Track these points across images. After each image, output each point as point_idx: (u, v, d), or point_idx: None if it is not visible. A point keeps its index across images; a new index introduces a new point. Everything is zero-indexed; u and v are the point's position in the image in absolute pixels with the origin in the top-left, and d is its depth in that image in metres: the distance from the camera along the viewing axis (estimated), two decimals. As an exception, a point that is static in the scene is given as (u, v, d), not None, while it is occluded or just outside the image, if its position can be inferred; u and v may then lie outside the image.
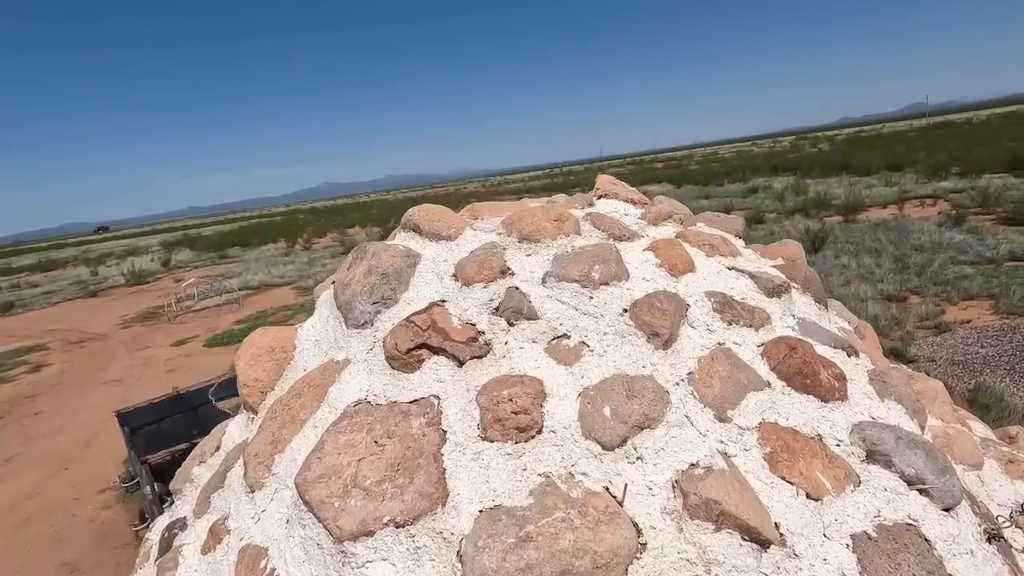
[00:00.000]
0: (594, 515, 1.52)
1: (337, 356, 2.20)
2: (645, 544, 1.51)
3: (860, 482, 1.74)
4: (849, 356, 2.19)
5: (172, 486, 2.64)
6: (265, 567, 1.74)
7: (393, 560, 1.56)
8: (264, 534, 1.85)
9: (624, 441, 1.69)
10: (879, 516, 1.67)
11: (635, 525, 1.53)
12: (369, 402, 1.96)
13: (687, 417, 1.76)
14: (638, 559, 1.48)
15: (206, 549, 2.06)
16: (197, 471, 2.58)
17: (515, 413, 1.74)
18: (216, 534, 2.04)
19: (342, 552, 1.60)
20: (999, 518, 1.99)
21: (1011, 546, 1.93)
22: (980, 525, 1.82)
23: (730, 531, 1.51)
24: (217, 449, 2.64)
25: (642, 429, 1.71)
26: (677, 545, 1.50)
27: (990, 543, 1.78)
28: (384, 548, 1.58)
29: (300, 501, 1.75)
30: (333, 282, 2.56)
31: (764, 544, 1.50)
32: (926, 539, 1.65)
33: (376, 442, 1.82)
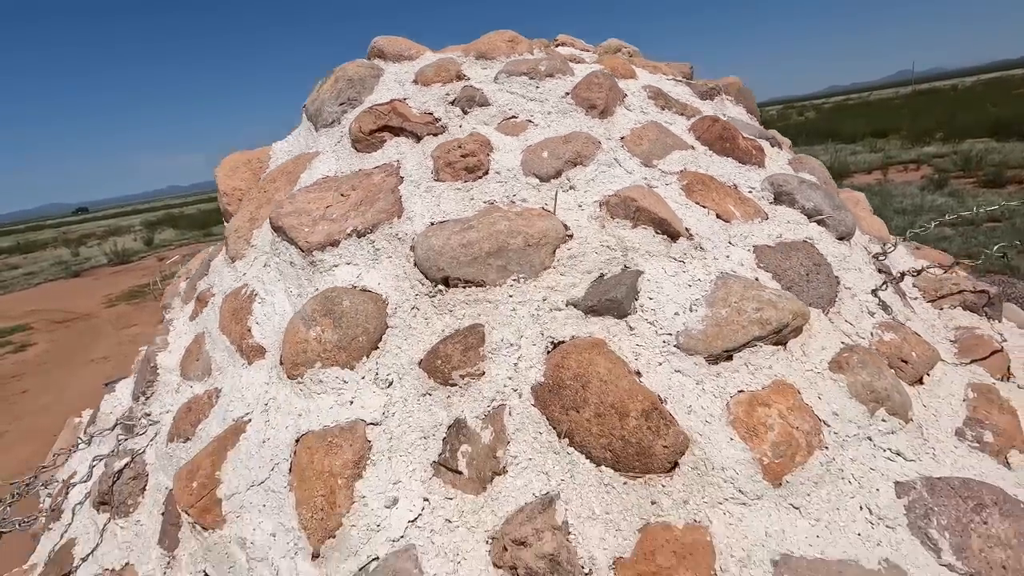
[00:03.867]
0: (528, 215, 1.76)
1: (308, 152, 2.41)
2: (572, 235, 1.75)
3: (767, 217, 2.00)
4: (772, 147, 2.43)
5: (163, 302, 2.86)
6: (245, 293, 1.98)
7: (356, 262, 1.80)
8: (243, 281, 2.07)
9: (559, 173, 1.93)
10: (780, 237, 1.93)
11: (564, 225, 1.77)
12: (336, 176, 2.18)
13: (616, 160, 2.00)
14: (564, 243, 1.73)
15: (194, 315, 2.29)
16: (183, 286, 2.80)
17: (464, 156, 1.97)
18: (202, 300, 2.26)
19: (312, 263, 1.84)
20: (896, 272, 2.26)
21: (904, 292, 2.20)
22: (871, 259, 2.09)
23: (645, 226, 1.76)
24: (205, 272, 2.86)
25: (575, 165, 1.95)
26: (600, 236, 1.75)
27: (886, 287, 2.05)
28: (348, 254, 1.82)
29: (276, 239, 1.97)
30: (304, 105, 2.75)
31: (674, 236, 1.75)
32: (819, 252, 1.91)
33: (342, 194, 2.04)
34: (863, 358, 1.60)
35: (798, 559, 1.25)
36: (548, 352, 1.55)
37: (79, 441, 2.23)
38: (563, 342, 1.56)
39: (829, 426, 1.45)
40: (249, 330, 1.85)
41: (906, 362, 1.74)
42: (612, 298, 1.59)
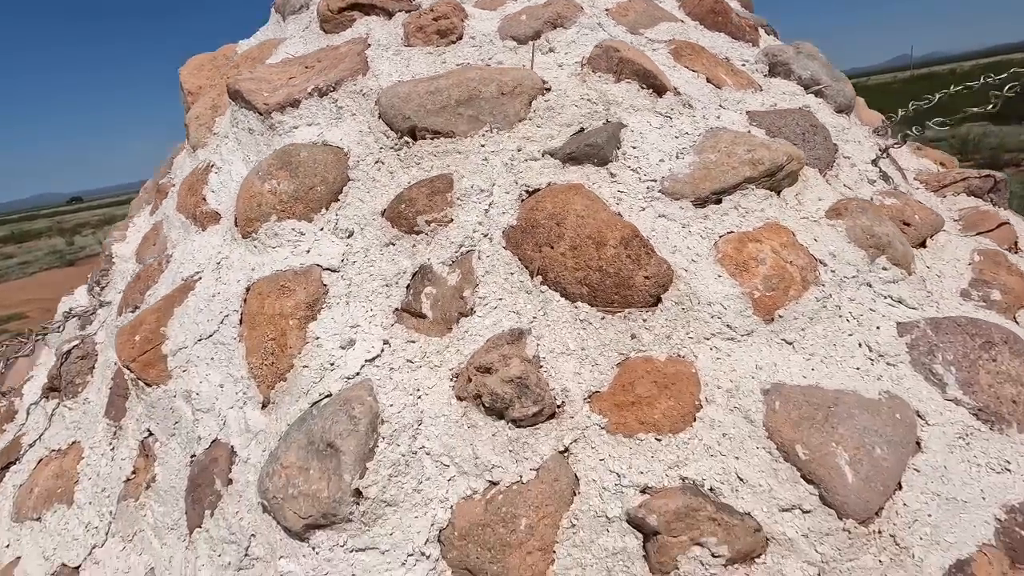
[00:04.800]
0: (501, 68, 1.63)
1: (275, 39, 2.27)
2: (549, 88, 1.62)
3: (762, 88, 1.87)
4: (768, 34, 2.30)
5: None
6: (202, 167, 1.85)
7: (317, 122, 1.67)
8: (202, 160, 1.94)
9: (538, 34, 1.79)
10: (775, 106, 1.80)
11: (542, 79, 1.64)
12: (303, 55, 2.04)
13: (600, 24, 1.87)
14: (542, 96, 1.60)
15: (154, 209, 2.16)
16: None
17: (435, 20, 1.83)
18: (162, 191, 2.13)
19: (270, 127, 1.71)
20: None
21: (905, 176, 2.08)
22: (872, 134, 1.96)
23: (629, 80, 1.63)
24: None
25: (555, 27, 1.81)
26: (580, 90, 1.62)
27: (885, 154, 1.92)
28: (309, 114, 1.68)
29: (235, 108, 1.84)
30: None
31: (660, 91, 1.62)
32: (817, 119, 1.78)
33: (306, 67, 1.91)
34: (863, 205, 1.48)
35: (791, 387, 1.14)
36: (522, 200, 1.43)
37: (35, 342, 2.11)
38: (538, 190, 1.43)
39: (826, 265, 1.34)
40: (204, 199, 1.73)
41: (908, 224, 1.62)
42: (592, 143, 1.47)
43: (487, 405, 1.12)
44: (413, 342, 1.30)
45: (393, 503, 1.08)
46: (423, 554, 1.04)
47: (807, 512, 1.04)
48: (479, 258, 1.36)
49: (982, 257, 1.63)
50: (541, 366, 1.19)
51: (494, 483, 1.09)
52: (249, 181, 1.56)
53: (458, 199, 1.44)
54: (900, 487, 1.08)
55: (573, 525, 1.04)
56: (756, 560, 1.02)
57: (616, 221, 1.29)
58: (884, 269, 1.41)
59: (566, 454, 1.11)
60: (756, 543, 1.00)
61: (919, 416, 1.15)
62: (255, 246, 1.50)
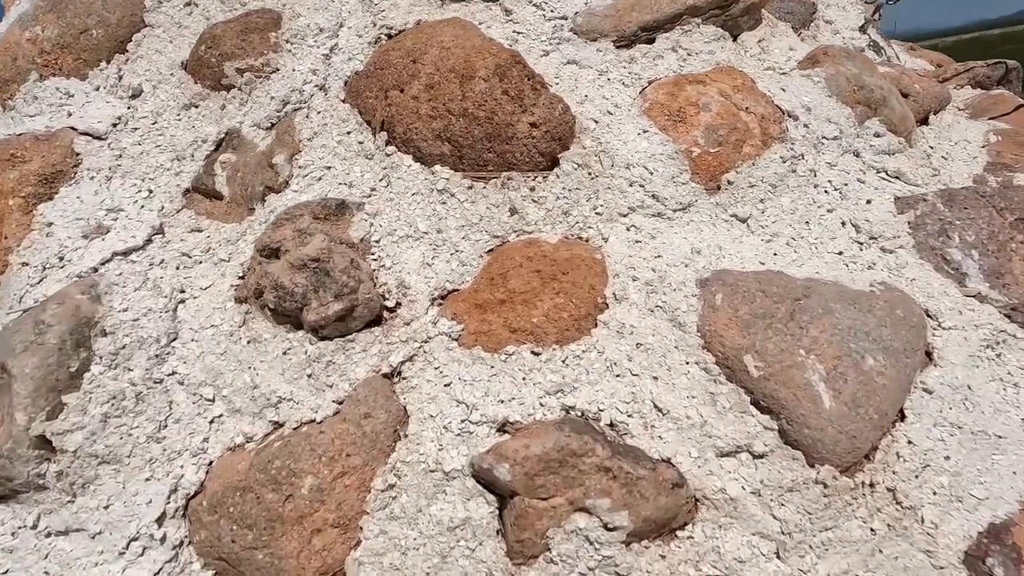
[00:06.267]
0: None
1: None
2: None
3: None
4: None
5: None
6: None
7: (118, -40, 1.23)
8: None
9: None
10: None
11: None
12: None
13: None
14: (418, -85, 1.17)
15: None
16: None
17: None
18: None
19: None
20: None
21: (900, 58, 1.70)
22: None
23: (540, -99, 1.21)
24: None
25: None
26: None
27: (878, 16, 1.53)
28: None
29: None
30: None
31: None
32: (790, -28, 1.38)
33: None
34: (848, 52, 1.09)
35: (740, 275, 0.76)
36: (379, 42, 1.02)
37: None
38: (404, 31, 1.02)
39: (797, 119, 0.95)
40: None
41: (907, 95, 1.23)
42: (479, -32, 1.05)
43: (272, 306, 0.72)
44: (199, 231, 0.89)
45: (113, 460, 0.68)
46: (154, 537, 0.65)
47: (760, 457, 0.66)
48: (308, 117, 0.95)
49: (1000, 138, 1.25)
50: (371, 252, 0.79)
51: (279, 425, 0.70)
52: (10, 31, 1.12)
53: (288, 41, 1.02)
54: (903, 417, 0.71)
55: (392, 486, 0.66)
56: (678, 534, 0.64)
57: (490, 46, 0.88)
58: (877, 136, 1.02)
59: (395, 379, 0.72)
60: (677, 507, 0.63)
61: (929, 316, 0.78)
62: (11, 118, 1.06)
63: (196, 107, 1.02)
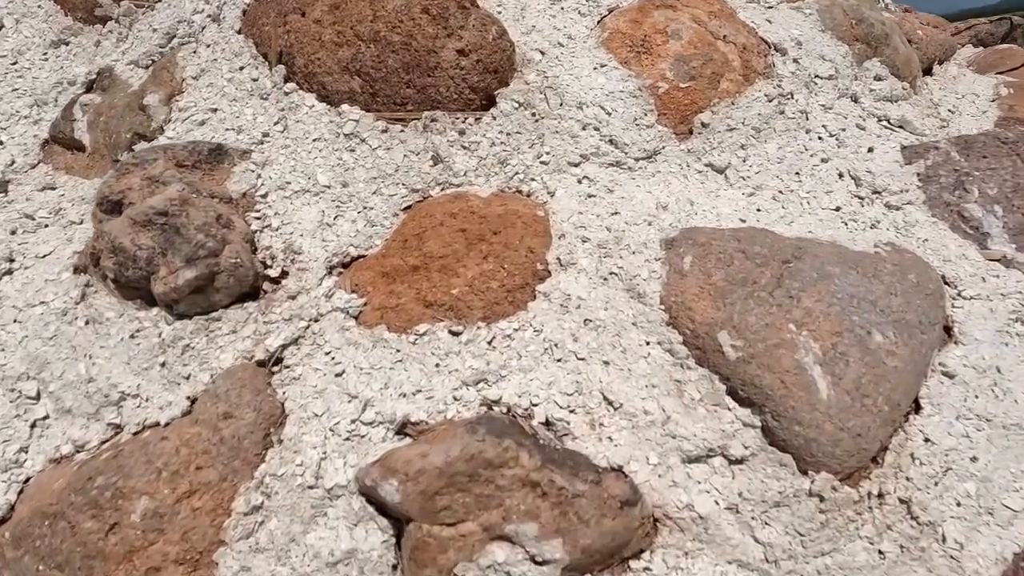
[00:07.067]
0: None
1: None
2: None
3: None
4: None
5: None
6: None
7: None
8: None
9: None
10: None
11: None
12: None
13: None
14: None
15: None
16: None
17: None
18: None
19: None
20: None
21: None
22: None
23: None
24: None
25: None
26: None
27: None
28: None
29: None
30: None
31: None
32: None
33: None
34: (845, -17, 0.95)
35: (713, 232, 0.61)
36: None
37: None
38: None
39: (785, 53, 0.80)
40: None
41: (910, 41, 1.09)
42: None
43: (113, 275, 0.56)
44: (52, 188, 0.72)
45: None
46: (-60, 580, 0.49)
47: (738, 463, 0.51)
48: (196, 52, 0.78)
49: (1012, 91, 1.11)
50: (254, 210, 0.63)
51: (120, 429, 0.54)
52: None
53: (177, -37, 0.85)
54: (918, 408, 0.56)
55: (258, 507, 0.50)
56: (631, 565, 0.49)
57: (411, -44, 0.72)
58: (878, 79, 0.88)
59: (274, 367, 0.57)
60: (629, 531, 0.48)
61: (947, 284, 0.64)
62: None
63: (66, 44, 0.84)
